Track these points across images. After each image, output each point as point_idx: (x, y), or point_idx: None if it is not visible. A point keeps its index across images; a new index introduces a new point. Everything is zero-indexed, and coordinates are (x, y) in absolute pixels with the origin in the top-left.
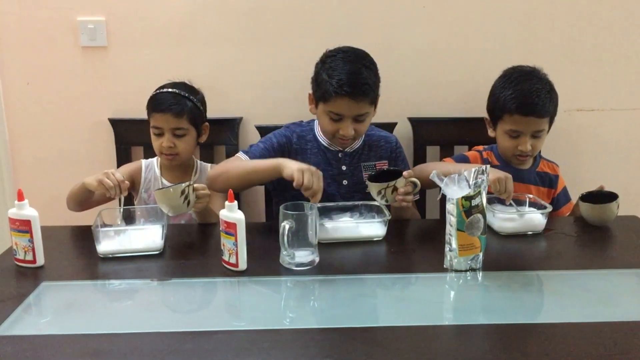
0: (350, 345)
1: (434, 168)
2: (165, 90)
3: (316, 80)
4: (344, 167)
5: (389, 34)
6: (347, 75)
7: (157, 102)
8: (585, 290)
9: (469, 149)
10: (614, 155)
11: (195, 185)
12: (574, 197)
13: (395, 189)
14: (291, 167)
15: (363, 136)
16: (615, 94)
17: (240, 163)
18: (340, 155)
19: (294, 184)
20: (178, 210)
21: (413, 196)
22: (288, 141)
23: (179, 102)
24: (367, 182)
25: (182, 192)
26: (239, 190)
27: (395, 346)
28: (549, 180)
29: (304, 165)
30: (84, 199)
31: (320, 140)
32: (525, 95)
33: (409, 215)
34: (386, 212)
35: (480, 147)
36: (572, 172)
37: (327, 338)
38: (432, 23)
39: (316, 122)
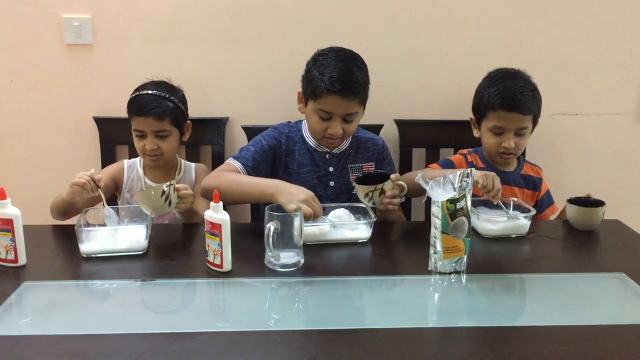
0: (334, 347)
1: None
2: (145, 92)
3: (307, 78)
4: (330, 169)
5: (376, 36)
6: (339, 73)
7: (137, 106)
8: (568, 293)
9: (455, 152)
10: (598, 159)
11: (177, 185)
12: (558, 201)
13: (382, 191)
14: (288, 202)
15: (350, 137)
16: (600, 98)
17: (232, 180)
18: (327, 156)
19: (306, 217)
20: (160, 210)
21: (399, 199)
22: (277, 143)
23: (160, 104)
24: (354, 185)
25: (163, 192)
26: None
27: (379, 348)
28: (532, 183)
29: (300, 197)
30: (67, 211)
31: (308, 141)
32: (509, 91)
33: (394, 217)
34: (372, 214)
35: (465, 150)
36: (556, 175)
37: (311, 340)
38: (419, 26)
39: (304, 122)
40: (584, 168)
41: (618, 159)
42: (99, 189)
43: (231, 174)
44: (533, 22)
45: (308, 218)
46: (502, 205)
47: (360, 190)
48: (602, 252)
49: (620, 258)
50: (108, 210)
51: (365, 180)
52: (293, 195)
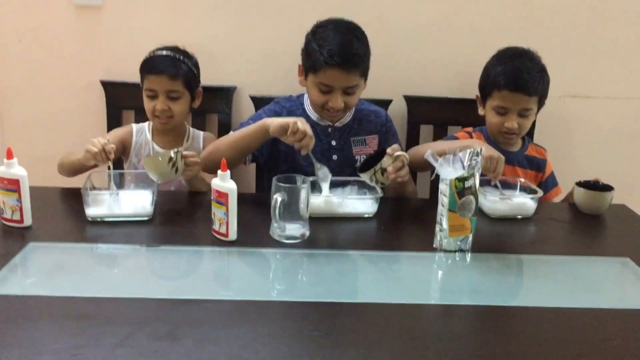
0: (336, 319)
1: (426, 148)
2: (159, 52)
3: (306, 51)
4: (333, 142)
5: (387, 10)
6: (337, 46)
7: (152, 64)
8: (571, 276)
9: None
10: (607, 143)
11: (184, 152)
12: (566, 184)
13: (385, 169)
14: (277, 121)
15: (353, 110)
16: (611, 82)
17: (227, 136)
18: (329, 129)
19: (289, 131)
20: (166, 177)
21: (405, 170)
22: (277, 117)
23: (174, 64)
24: (358, 174)
25: (170, 159)
26: (233, 164)
27: (381, 323)
28: (536, 164)
29: (289, 118)
30: (77, 171)
31: (310, 115)
32: (515, 71)
33: (410, 190)
34: (378, 189)
35: (470, 128)
36: (564, 158)
37: (314, 311)
38: (430, 0)
39: (305, 96)
40: (592, 151)
41: (628, 144)
42: (109, 161)
43: (225, 137)
44: (545, 0)
45: (297, 139)
46: (499, 185)
47: (364, 177)
48: (608, 236)
49: (625, 243)
50: (112, 186)
51: (367, 163)
52: (280, 119)
